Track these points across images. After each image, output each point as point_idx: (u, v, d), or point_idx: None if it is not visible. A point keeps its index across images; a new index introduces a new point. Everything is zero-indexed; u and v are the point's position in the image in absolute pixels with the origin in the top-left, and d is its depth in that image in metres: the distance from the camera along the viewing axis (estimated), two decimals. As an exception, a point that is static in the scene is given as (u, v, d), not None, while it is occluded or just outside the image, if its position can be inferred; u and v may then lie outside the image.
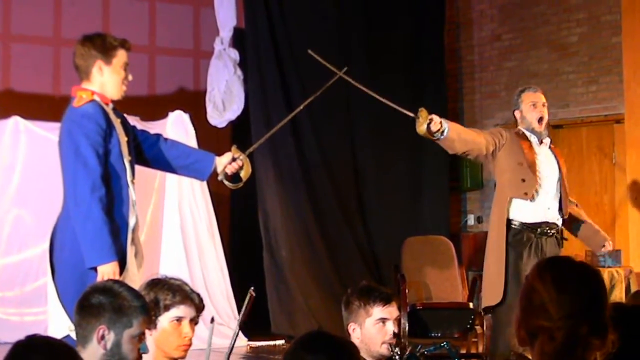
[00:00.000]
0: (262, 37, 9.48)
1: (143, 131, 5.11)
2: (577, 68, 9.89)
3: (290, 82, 9.52)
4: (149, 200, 8.83)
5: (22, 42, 9.62)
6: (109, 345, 2.98)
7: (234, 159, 5.10)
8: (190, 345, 3.56)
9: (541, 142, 6.24)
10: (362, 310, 4.03)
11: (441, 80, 10.53)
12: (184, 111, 9.08)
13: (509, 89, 9.91)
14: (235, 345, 4.06)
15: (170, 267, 8.52)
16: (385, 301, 4.04)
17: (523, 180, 6.10)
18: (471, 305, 8.04)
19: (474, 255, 9.66)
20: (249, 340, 8.84)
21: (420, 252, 8.64)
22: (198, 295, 3.60)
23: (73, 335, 3.12)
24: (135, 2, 10.24)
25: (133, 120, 5.26)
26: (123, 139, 4.75)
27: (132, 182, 4.76)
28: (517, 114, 6.28)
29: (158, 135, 5.11)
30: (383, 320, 4.02)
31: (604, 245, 6.44)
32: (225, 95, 9.25)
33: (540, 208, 6.11)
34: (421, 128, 5.88)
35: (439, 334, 7.90)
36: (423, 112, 5.86)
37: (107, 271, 4.49)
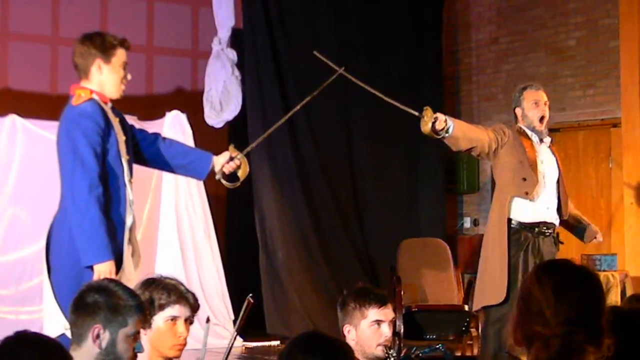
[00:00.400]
0: (260, 38, 9.48)
1: (141, 130, 5.11)
2: (575, 72, 9.90)
3: (287, 83, 9.52)
4: (146, 200, 8.82)
5: (20, 40, 9.61)
6: (104, 344, 2.98)
7: (231, 159, 5.10)
8: (185, 344, 3.56)
9: (541, 141, 6.22)
10: (357, 312, 4.04)
11: (439, 82, 10.54)
12: (182, 111, 9.08)
13: (506, 92, 9.92)
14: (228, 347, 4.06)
15: (165, 266, 8.52)
16: (381, 303, 4.04)
17: (524, 179, 6.07)
18: (466, 307, 8.04)
19: (470, 258, 9.66)
20: (244, 341, 8.84)
21: (416, 255, 8.65)
22: (193, 295, 3.60)
23: (68, 334, 3.12)
24: (134, 2, 10.24)
25: (130, 120, 5.25)
26: (121, 138, 4.75)
27: (130, 182, 4.76)
28: (517, 111, 6.23)
29: (156, 135, 5.11)
30: (378, 322, 4.02)
31: (595, 237, 6.42)
32: (223, 96, 9.25)
33: (540, 208, 6.09)
34: (426, 127, 5.85)
35: (434, 336, 7.91)
36: (428, 111, 5.85)
37: (103, 270, 4.49)
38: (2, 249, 8.57)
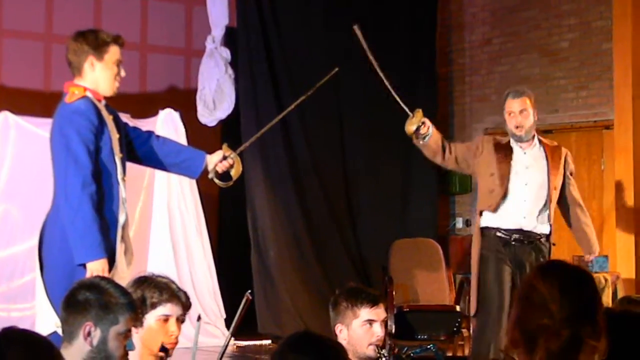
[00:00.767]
0: (254, 37, 9.47)
1: (135, 128, 5.10)
2: (568, 73, 9.90)
3: (281, 82, 9.52)
4: (138, 198, 8.81)
5: (14, 37, 9.59)
6: (95, 342, 2.97)
7: (224, 157, 5.10)
8: (176, 343, 3.56)
9: (529, 144, 6.25)
10: (349, 312, 4.04)
11: (433, 83, 10.53)
12: (175, 109, 9.06)
13: (499, 93, 9.89)
14: (221, 345, 4.05)
15: (157, 265, 8.50)
16: (373, 303, 4.04)
17: (491, 192, 6.18)
18: (458, 308, 8.06)
19: (462, 258, 9.67)
20: (236, 340, 8.83)
21: (408, 255, 8.66)
22: (185, 293, 3.60)
23: (60, 331, 3.12)
24: (128, 0, 10.22)
25: (124, 117, 5.25)
26: (115, 136, 4.74)
27: (123, 180, 4.75)
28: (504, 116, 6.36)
29: (150, 133, 5.10)
30: (370, 321, 4.02)
31: (589, 253, 6.49)
32: (216, 94, 9.24)
33: (512, 217, 6.16)
34: (410, 128, 6.00)
35: (426, 337, 7.91)
36: (419, 113, 5.97)
37: (96, 268, 4.48)
38: (-7, 246, 8.56)
